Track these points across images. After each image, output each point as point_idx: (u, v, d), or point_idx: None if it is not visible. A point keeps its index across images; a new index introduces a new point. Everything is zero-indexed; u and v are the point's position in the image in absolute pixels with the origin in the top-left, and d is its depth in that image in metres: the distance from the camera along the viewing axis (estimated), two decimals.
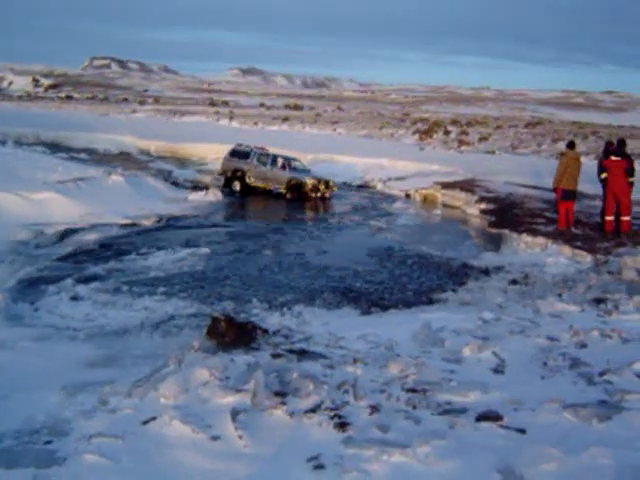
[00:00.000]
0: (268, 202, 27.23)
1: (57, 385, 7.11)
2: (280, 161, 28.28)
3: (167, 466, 5.28)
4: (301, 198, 26.93)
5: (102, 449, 5.42)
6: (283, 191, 27.53)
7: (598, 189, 19.31)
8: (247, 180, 28.53)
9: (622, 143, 18.38)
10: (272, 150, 30.15)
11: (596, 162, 20.19)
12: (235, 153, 29.56)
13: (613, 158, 17.75)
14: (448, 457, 5.35)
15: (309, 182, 27.07)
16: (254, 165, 28.48)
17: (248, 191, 28.46)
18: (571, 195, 18.57)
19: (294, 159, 29.54)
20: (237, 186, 28.74)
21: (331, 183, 27.91)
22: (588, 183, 21.76)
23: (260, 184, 28.35)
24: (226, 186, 29.02)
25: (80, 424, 6.01)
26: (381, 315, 11.97)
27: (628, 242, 16.94)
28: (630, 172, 17.73)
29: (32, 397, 6.87)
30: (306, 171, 28.70)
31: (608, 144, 19.14)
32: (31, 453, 5.53)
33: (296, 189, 27.17)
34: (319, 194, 27.18)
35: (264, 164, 28.30)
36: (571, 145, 19.27)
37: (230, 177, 29.12)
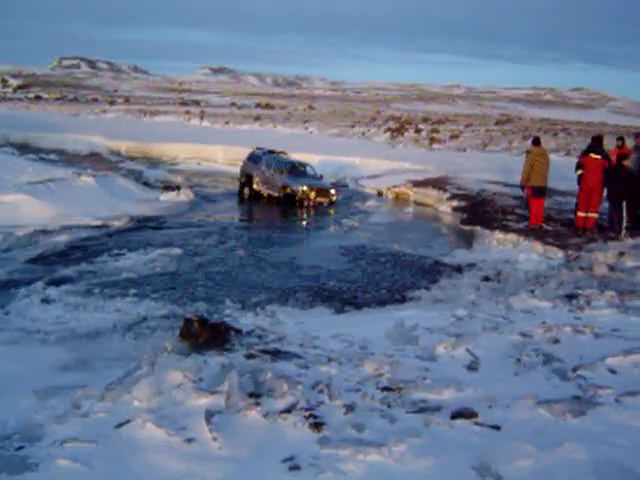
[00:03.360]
0: (243, 203, 27.13)
1: (28, 389, 7.03)
2: (280, 166, 26.96)
3: (141, 470, 5.23)
4: (293, 205, 25.71)
5: (75, 454, 5.36)
6: (281, 197, 26.32)
7: (570, 185, 19.38)
8: (254, 186, 27.58)
9: (600, 140, 18.44)
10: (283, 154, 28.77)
11: (574, 159, 20.28)
12: (251, 157, 28.64)
13: (593, 156, 17.83)
14: (424, 455, 5.36)
15: (300, 189, 25.78)
16: (262, 170, 27.40)
17: (257, 197, 27.52)
18: (541, 192, 18.66)
19: (305, 164, 28.31)
20: (246, 192, 27.86)
21: (332, 191, 26.54)
22: (559, 180, 21.89)
23: (264, 190, 27.32)
24: (240, 192, 28.30)
25: (52, 429, 5.94)
26: (355, 314, 11.97)
27: (599, 238, 17.08)
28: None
29: (3, 402, 6.79)
30: (311, 177, 27.35)
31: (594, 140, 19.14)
32: (3, 459, 5.45)
33: (289, 196, 25.96)
34: (311, 202, 25.77)
35: (269, 168, 27.13)
36: (536, 142, 19.31)
37: (243, 183, 28.24)
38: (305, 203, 25.76)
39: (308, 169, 27.97)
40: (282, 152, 28.68)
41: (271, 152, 28.41)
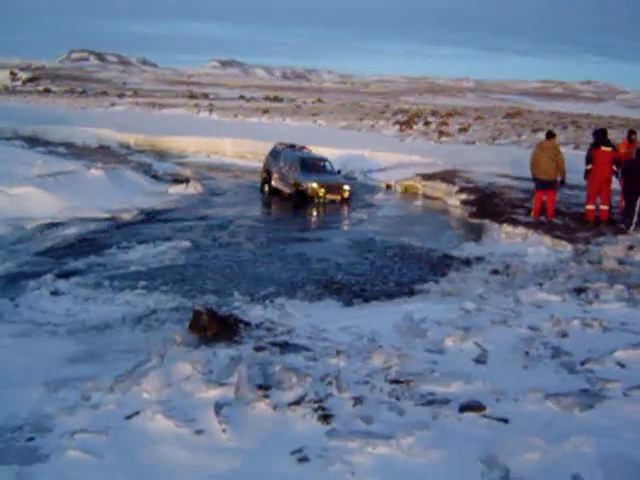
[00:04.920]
0: (254, 197, 27.00)
1: (39, 381, 7.07)
2: (294, 162, 26.20)
3: (151, 461, 5.27)
4: (304, 201, 25.08)
5: (85, 445, 5.40)
6: (293, 194, 25.67)
7: (579, 179, 19.29)
8: (273, 183, 27.01)
9: (605, 132, 18.44)
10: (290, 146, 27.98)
11: (583, 152, 20.20)
12: (272, 153, 27.97)
13: (604, 148, 17.79)
14: (432, 448, 5.37)
15: (309, 186, 25.12)
16: (279, 166, 26.77)
17: (275, 194, 26.85)
18: (543, 185, 18.48)
19: (324, 159, 27.56)
20: (266, 189, 27.38)
21: (345, 187, 25.72)
22: (567, 172, 21.79)
23: (281, 187, 26.66)
24: (261, 189, 27.82)
25: (62, 420, 5.98)
26: (363, 307, 11.97)
27: (608, 231, 17.04)
28: (618, 162, 17.85)
29: (14, 394, 6.83)
30: (326, 173, 26.52)
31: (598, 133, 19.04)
32: (14, 450, 5.50)
33: (300, 193, 25.31)
34: (321, 199, 25.11)
35: (285, 164, 26.47)
36: (547, 135, 19.26)
37: (264, 179, 27.68)
38: (315, 200, 25.14)
39: (326, 164, 27.16)
40: (303, 147, 28.04)
41: (292, 147, 27.77)
